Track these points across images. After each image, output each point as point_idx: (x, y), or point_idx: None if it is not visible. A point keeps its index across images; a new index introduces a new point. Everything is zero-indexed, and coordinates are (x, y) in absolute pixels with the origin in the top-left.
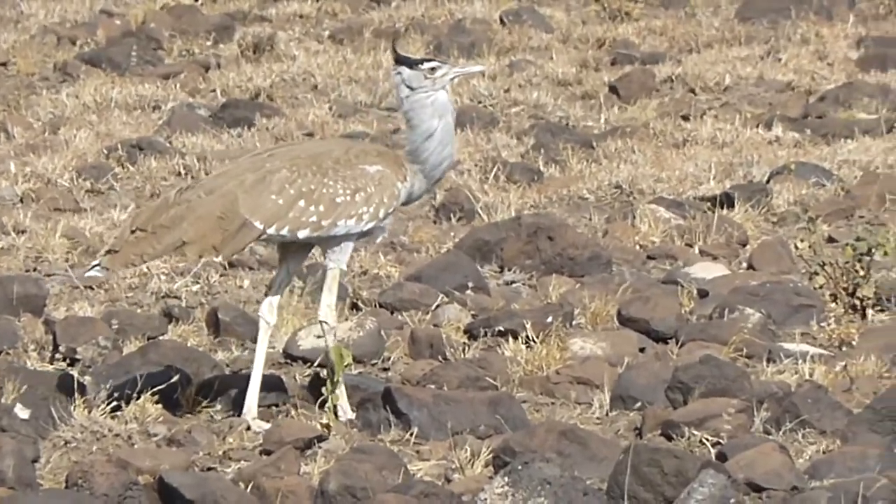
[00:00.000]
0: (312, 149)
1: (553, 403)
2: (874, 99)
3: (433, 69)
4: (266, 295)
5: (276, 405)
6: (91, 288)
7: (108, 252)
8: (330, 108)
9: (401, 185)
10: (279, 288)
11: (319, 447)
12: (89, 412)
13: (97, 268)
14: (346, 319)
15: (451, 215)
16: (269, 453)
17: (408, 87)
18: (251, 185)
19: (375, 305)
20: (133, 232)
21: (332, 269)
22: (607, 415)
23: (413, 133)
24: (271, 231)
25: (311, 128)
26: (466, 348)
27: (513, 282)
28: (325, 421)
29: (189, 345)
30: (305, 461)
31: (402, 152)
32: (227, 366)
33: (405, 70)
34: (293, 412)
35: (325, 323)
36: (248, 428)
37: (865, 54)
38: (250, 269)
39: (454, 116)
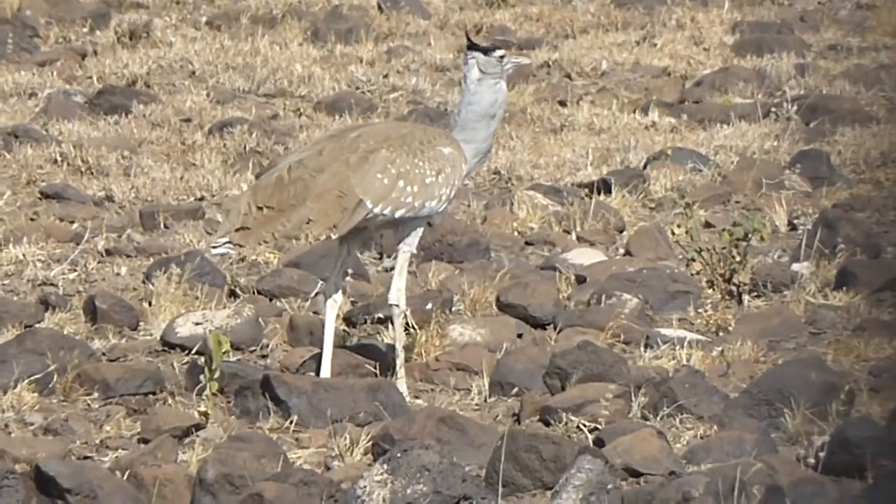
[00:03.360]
0: (394, 129)
1: (432, 390)
2: (750, 84)
3: (502, 57)
4: (329, 277)
5: (153, 393)
6: None
7: (239, 229)
8: (207, 95)
9: (464, 166)
10: (341, 269)
11: (197, 435)
12: None
13: (227, 244)
14: (224, 307)
15: None
16: (146, 441)
17: (481, 70)
18: (357, 165)
19: (254, 292)
20: (260, 209)
21: (405, 253)
22: (486, 401)
23: (471, 114)
24: (377, 210)
25: (189, 114)
26: (346, 335)
27: (392, 268)
28: (202, 409)
29: (66, 333)
30: (183, 449)
31: (452, 134)
32: (104, 354)
33: (480, 56)
34: (171, 400)
35: (396, 306)
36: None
37: (741, 39)
38: (128, 256)
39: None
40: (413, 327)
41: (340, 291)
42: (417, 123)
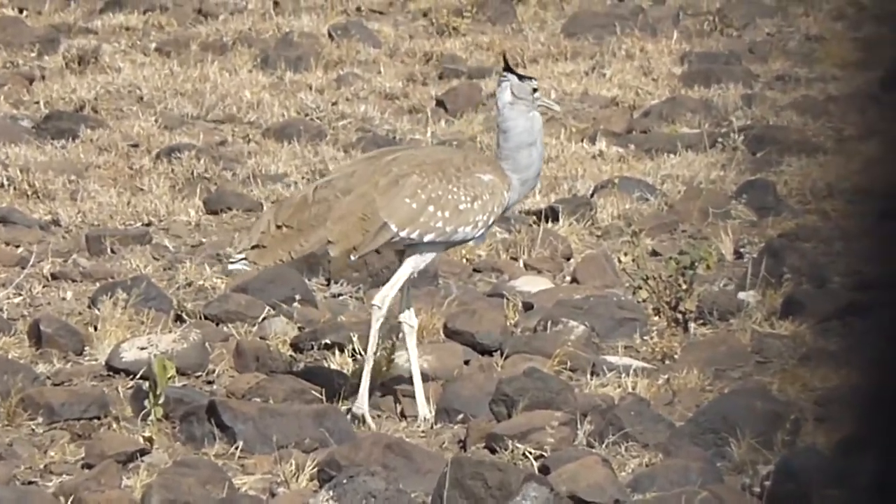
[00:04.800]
0: (432, 155)
1: (379, 416)
2: (697, 114)
3: (535, 90)
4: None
5: (98, 418)
6: None
7: (255, 247)
8: (156, 120)
9: (506, 194)
10: (408, 290)
11: (142, 461)
12: None
13: (243, 261)
14: (170, 331)
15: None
16: (90, 467)
17: (513, 94)
18: (385, 188)
19: (200, 317)
20: (279, 228)
21: (409, 266)
22: (432, 428)
23: (510, 142)
24: (403, 234)
25: (137, 139)
26: (293, 361)
27: (340, 294)
28: (147, 434)
29: (10, 357)
30: (128, 475)
31: (499, 162)
32: (49, 378)
33: (514, 78)
34: (115, 425)
35: (376, 306)
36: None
37: (689, 70)
38: (73, 281)
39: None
40: (360, 353)
41: (412, 311)
42: (463, 149)
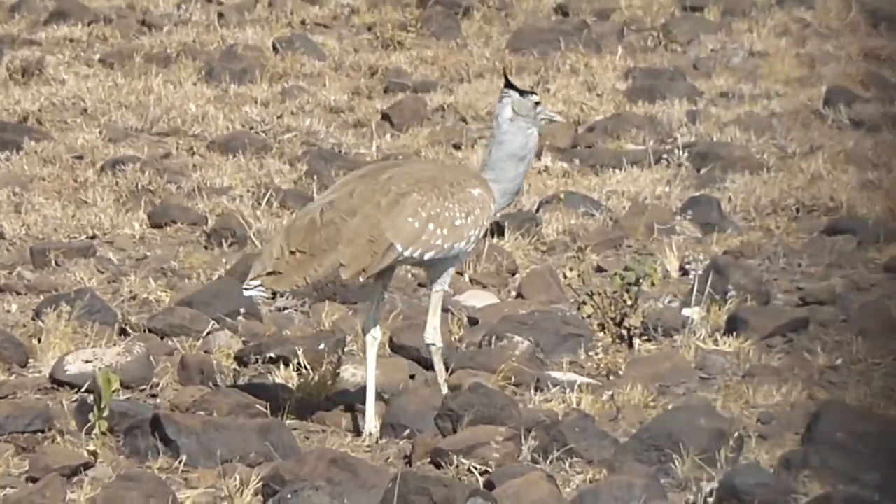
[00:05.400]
0: (424, 171)
1: (324, 431)
2: (642, 130)
3: (537, 104)
4: (367, 314)
5: (42, 431)
6: None
7: (270, 273)
8: (100, 133)
9: (492, 206)
10: (378, 304)
11: (86, 474)
12: None
13: (259, 288)
14: (114, 345)
15: (223, 241)
16: (34, 480)
17: (514, 110)
18: (388, 208)
19: (145, 331)
20: (293, 253)
21: (438, 293)
22: (377, 442)
23: (501, 153)
24: (407, 253)
25: (81, 152)
26: (237, 375)
27: (285, 308)
28: (91, 448)
29: None
30: (72, 488)
31: (481, 174)
32: None
33: (515, 94)
34: (59, 438)
35: (433, 345)
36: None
37: (633, 86)
38: (17, 293)
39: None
40: (304, 367)
41: (378, 327)
42: (447, 163)
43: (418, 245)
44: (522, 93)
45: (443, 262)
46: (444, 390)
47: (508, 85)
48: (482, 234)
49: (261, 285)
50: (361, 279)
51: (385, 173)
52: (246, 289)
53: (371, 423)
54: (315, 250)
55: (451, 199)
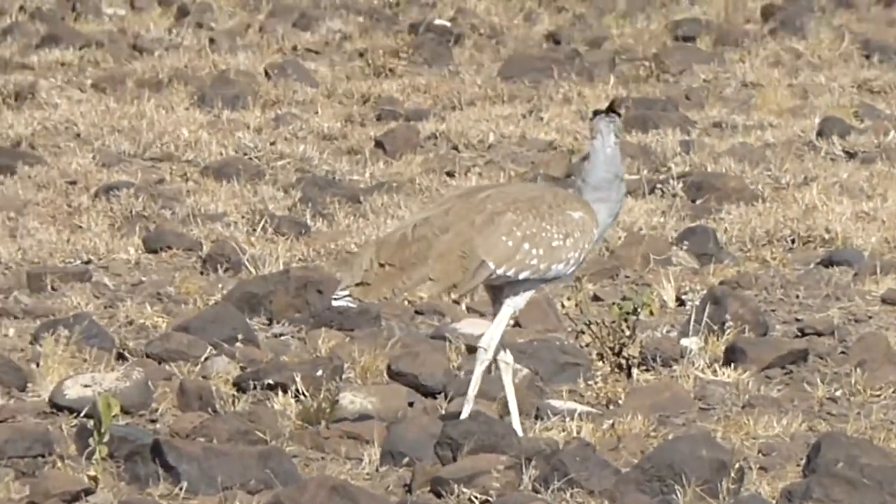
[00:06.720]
0: (523, 192)
1: (323, 458)
2: (635, 160)
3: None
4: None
5: (42, 456)
6: None
7: (359, 284)
8: (93, 157)
9: (595, 231)
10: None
11: (87, 500)
12: None
13: (347, 298)
14: (113, 369)
15: (219, 267)
16: None
17: (616, 135)
18: (481, 226)
19: (142, 356)
20: (382, 266)
21: (510, 307)
22: (377, 470)
23: (609, 174)
24: (500, 271)
25: (75, 177)
26: (236, 401)
27: (282, 334)
28: (92, 473)
29: None
30: None
31: (585, 198)
32: None
33: (618, 120)
34: (60, 463)
35: (484, 350)
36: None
37: (626, 115)
38: (15, 317)
39: None
40: (303, 394)
41: (504, 351)
42: (550, 186)
43: (512, 264)
44: (620, 115)
45: (525, 283)
46: (471, 396)
47: (612, 110)
48: (583, 257)
49: (349, 295)
50: (453, 295)
51: (483, 193)
52: (335, 298)
53: (517, 426)
54: (404, 264)
55: (548, 220)
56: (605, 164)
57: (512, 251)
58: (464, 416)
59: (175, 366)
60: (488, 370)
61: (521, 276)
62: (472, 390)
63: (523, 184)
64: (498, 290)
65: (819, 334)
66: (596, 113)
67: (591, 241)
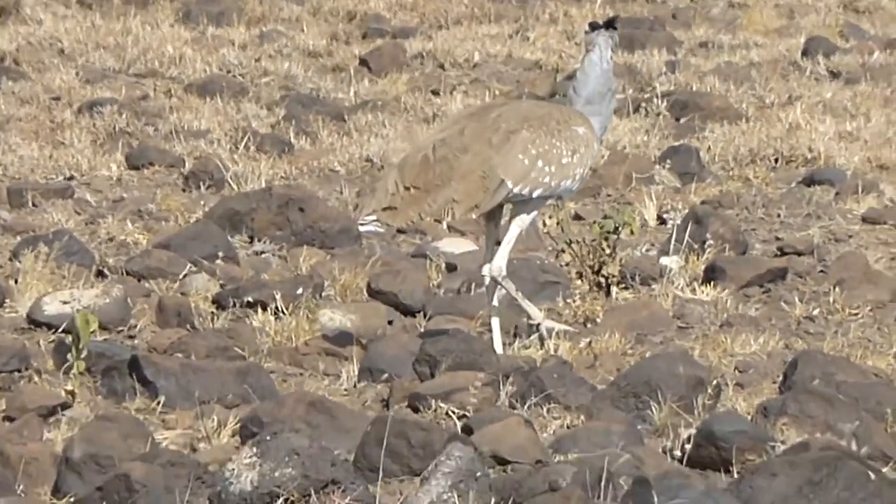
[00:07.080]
0: (532, 110)
1: (302, 374)
2: (621, 79)
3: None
4: (486, 260)
5: (19, 371)
6: None
7: (386, 209)
8: (77, 74)
9: (596, 146)
10: (492, 239)
11: (63, 414)
12: None
13: (375, 223)
14: (92, 286)
15: (201, 184)
16: (11, 420)
17: (612, 50)
18: (499, 146)
19: (122, 273)
20: (407, 189)
21: (518, 228)
22: (355, 386)
23: (603, 88)
24: (517, 190)
25: (58, 92)
26: (215, 318)
27: (263, 252)
28: (69, 388)
29: None
30: (49, 428)
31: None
32: None
33: (616, 34)
34: (36, 378)
35: (498, 275)
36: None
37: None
38: None
39: None
40: (282, 311)
41: (499, 266)
42: (548, 102)
43: (527, 182)
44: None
45: (537, 201)
46: (534, 314)
47: (610, 25)
48: (587, 173)
49: (376, 220)
50: (474, 215)
51: (495, 111)
52: (362, 224)
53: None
54: (429, 186)
55: (558, 137)
56: (601, 78)
57: (528, 169)
58: (543, 327)
59: (154, 283)
60: (489, 290)
61: (535, 194)
62: (528, 305)
63: (528, 101)
64: (499, 212)
65: (799, 253)
66: (594, 27)
67: (594, 157)
